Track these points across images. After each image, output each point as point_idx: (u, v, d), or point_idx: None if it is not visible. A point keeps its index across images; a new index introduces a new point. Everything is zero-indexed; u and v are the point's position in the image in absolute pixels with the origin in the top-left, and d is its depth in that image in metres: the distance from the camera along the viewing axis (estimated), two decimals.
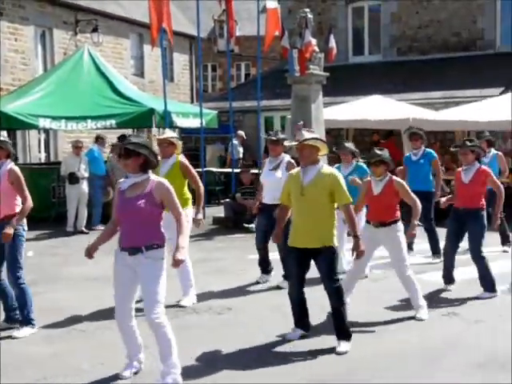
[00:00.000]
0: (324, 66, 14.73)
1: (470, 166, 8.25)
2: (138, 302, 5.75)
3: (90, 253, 5.54)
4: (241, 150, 19.71)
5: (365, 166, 9.16)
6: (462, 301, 8.00)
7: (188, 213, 7.77)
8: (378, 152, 7.34)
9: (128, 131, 16.80)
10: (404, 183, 7.47)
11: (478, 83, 18.17)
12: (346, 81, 19.44)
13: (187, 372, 5.55)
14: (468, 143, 8.31)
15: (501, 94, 17.31)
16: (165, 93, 14.60)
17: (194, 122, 15.63)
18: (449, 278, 8.49)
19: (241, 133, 19.81)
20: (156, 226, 5.33)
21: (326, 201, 6.27)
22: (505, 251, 10.84)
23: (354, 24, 22.70)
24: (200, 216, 7.94)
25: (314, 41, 14.11)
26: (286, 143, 7.28)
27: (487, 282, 8.15)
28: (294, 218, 6.46)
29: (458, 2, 20.67)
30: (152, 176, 5.38)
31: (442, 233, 9.52)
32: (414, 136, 10.41)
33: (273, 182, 8.57)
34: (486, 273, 8.15)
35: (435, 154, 10.55)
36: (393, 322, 7.21)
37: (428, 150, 10.59)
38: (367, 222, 7.50)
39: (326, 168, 6.43)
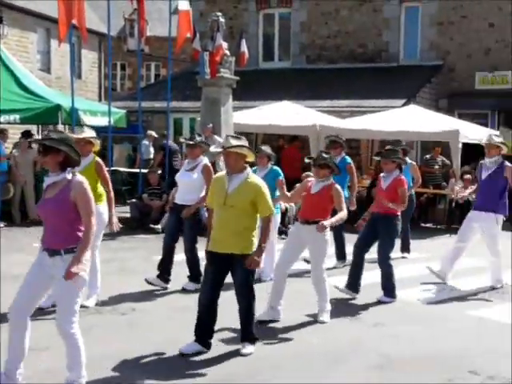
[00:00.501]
0: (234, 70, 14.86)
1: (390, 174, 8.49)
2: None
3: None
4: (152, 150, 19.53)
5: (279, 169, 9.31)
6: (363, 305, 8.20)
7: (102, 210, 7.67)
8: (325, 155, 7.50)
9: (32, 127, 16.44)
10: (341, 192, 7.53)
11: (383, 94, 18.71)
12: (255, 86, 19.62)
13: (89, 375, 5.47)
14: (390, 153, 8.50)
15: (403, 105, 17.90)
16: (72, 89, 14.30)
17: (101, 121, 15.36)
18: (355, 287, 8.50)
19: (151, 133, 19.65)
20: (77, 228, 5.07)
21: (249, 210, 6.18)
22: (404, 257, 11.21)
23: (264, 30, 22.96)
24: (115, 219, 7.82)
25: (225, 44, 14.23)
26: (212, 149, 7.15)
27: (389, 287, 8.39)
28: (215, 223, 6.32)
29: (364, 15, 21.26)
30: (70, 175, 5.06)
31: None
32: (333, 144, 10.57)
33: (187, 183, 8.60)
34: (389, 278, 8.38)
35: (349, 160, 10.69)
36: (296, 324, 7.31)
37: (345, 156, 10.72)
38: (296, 219, 7.66)
39: (252, 177, 6.31)
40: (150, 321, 7.33)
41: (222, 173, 6.49)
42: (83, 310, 7.30)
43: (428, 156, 16.72)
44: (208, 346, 6.31)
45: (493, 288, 9.13)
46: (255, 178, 6.39)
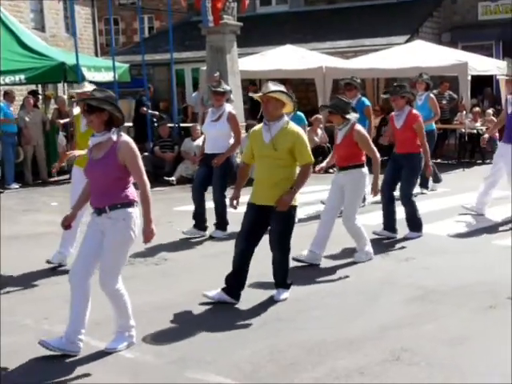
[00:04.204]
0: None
1: (401, 112, 8.36)
2: None
3: (67, 225, 5.32)
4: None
5: (303, 115, 9.25)
6: (392, 241, 8.26)
7: None
8: (333, 102, 7.45)
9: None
10: (364, 135, 7.39)
11: (385, 31, 18.52)
12: (254, 31, 19.38)
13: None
14: (398, 89, 8.38)
15: (406, 41, 17.73)
16: (76, 46, 14.13)
17: (105, 76, 15.23)
18: (392, 227, 8.48)
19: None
20: (122, 186, 5.04)
21: (288, 159, 6.04)
22: (423, 193, 11.22)
23: None
24: None
25: None
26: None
27: (415, 223, 8.40)
28: (255, 175, 6.26)
29: None
30: (115, 135, 5.01)
31: None
32: (348, 86, 10.25)
33: (214, 133, 8.61)
34: (414, 215, 8.39)
35: (367, 102, 10.51)
36: (333, 265, 7.37)
37: (362, 98, 10.51)
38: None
39: (290, 125, 6.09)
40: (184, 269, 7.40)
41: (260, 125, 6.31)
42: None
43: (435, 91, 16.53)
44: (237, 297, 6.19)
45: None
46: (293, 125, 6.18)
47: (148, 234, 5.06)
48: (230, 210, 6.97)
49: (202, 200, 8.83)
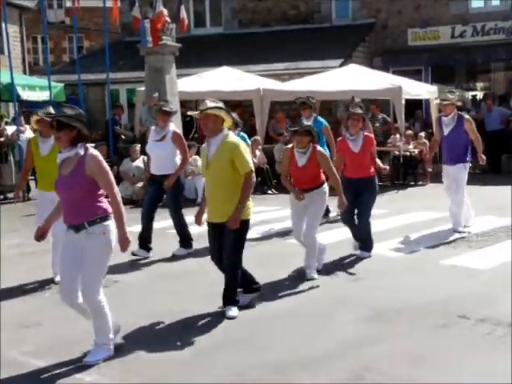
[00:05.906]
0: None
1: (357, 136, 8.24)
2: None
3: (41, 235, 5.38)
4: None
5: (246, 135, 9.35)
6: (337, 262, 8.30)
7: None
8: (306, 123, 7.49)
9: None
10: (326, 155, 7.48)
11: (319, 55, 18.77)
12: (190, 53, 19.28)
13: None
14: (359, 110, 8.20)
15: (341, 65, 18.04)
16: (10, 64, 13.88)
17: (40, 95, 14.99)
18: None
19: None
20: (96, 200, 5.09)
21: (231, 172, 6.05)
22: None
23: None
24: None
25: (165, 11, 13.98)
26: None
27: (370, 243, 8.51)
28: (206, 192, 6.31)
29: None
30: (82, 150, 5.05)
31: None
32: (303, 105, 10.33)
33: (160, 153, 8.57)
34: (370, 235, 8.50)
35: (324, 122, 10.63)
36: (281, 285, 7.40)
37: (318, 117, 10.62)
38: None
39: (230, 137, 6.15)
40: (135, 291, 7.29)
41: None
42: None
43: (369, 114, 16.91)
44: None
45: (455, 231, 9.55)
46: (233, 137, 6.26)
47: (125, 242, 5.12)
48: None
49: (150, 221, 8.79)
